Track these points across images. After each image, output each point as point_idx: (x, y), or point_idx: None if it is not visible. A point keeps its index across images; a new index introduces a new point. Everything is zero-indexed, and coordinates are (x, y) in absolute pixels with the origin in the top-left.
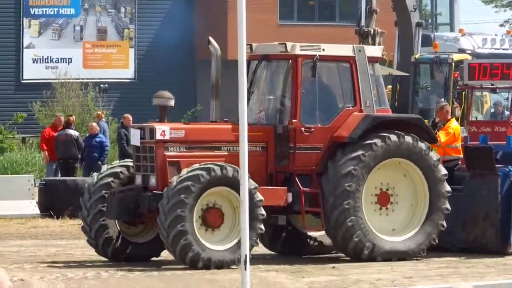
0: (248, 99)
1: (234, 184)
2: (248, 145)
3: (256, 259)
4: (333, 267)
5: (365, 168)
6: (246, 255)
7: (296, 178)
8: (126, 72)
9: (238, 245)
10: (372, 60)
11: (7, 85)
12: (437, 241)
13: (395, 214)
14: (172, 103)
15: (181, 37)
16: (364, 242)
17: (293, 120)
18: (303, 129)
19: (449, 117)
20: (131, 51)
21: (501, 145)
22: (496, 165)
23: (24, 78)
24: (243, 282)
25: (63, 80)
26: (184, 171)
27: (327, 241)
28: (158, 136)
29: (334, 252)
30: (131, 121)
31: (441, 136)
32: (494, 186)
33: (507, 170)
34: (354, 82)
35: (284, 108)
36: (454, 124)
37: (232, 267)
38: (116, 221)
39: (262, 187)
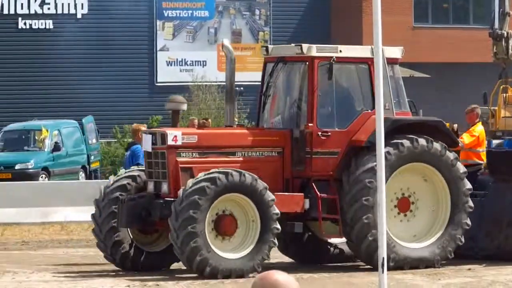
0: (264, 103)
1: (251, 192)
2: (264, 150)
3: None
4: (469, 269)
5: (389, 167)
6: (383, 258)
7: (313, 183)
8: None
9: (251, 255)
10: (392, 61)
11: (141, 88)
12: (463, 241)
13: (417, 219)
14: (185, 107)
15: (316, 39)
16: (388, 254)
17: (310, 124)
18: (320, 133)
19: (477, 120)
20: None
21: None
22: None
23: (158, 81)
24: (381, 284)
25: (200, 83)
26: (201, 174)
27: (348, 248)
28: (170, 142)
29: (355, 260)
30: None
31: (465, 138)
32: None
33: None
34: (372, 84)
35: (301, 111)
36: (479, 128)
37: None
38: (129, 231)
39: (278, 193)
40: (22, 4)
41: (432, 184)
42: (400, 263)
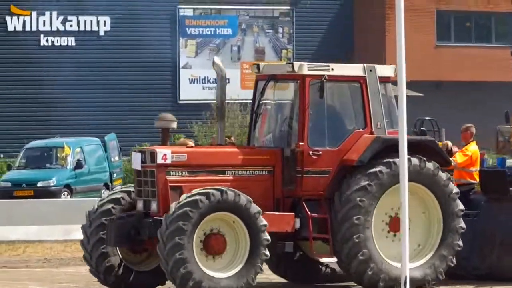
0: (256, 121)
1: (235, 208)
2: (255, 169)
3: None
4: None
5: (372, 198)
6: (406, 277)
7: (304, 203)
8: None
9: (242, 272)
10: (384, 80)
11: (164, 105)
12: (454, 262)
13: (409, 238)
14: (174, 125)
15: (340, 56)
16: (379, 275)
17: (300, 143)
18: (311, 152)
19: (471, 139)
20: None
21: None
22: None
23: (180, 98)
24: None
25: None
26: (183, 197)
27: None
28: (160, 160)
29: (347, 279)
30: None
31: (458, 157)
32: (510, 210)
33: None
34: (364, 103)
35: (292, 130)
36: (473, 148)
37: None
38: (118, 248)
39: (268, 212)
40: (44, 21)
41: (424, 204)
42: (390, 283)
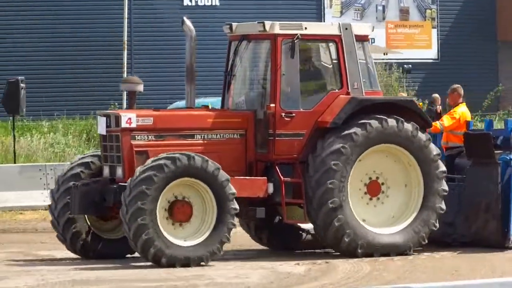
0: (229, 83)
1: (202, 175)
2: (226, 132)
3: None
4: None
5: (347, 161)
6: None
7: (276, 167)
8: (429, 53)
9: (208, 240)
10: (361, 38)
11: None
12: (437, 226)
13: (388, 203)
14: (141, 88)
15: (483, 17)
16: (356, 241)
17: (272, 105)
18: (283, 114)
19: (460, 101)
20: (433, 31)
21: (501, 130)
22: (497, 152)
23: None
24: None
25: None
26: (148, 161)
27: None
28: (124, 124)
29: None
30: (440, 101)
31: (445, 120)
32: (495, 175)
33: (508, 158)
34: (340, 62)
35: (264, 92)
36: (461, 109)
37: (201, 264)
38: (86, 218)
39: (240, 177)
40: None
41: (404, 166)
42: (369, 250)
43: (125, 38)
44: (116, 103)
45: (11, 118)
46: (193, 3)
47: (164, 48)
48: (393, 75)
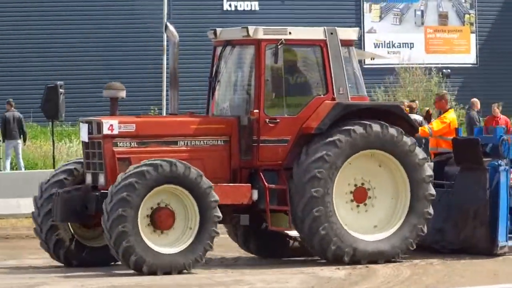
0: (213, 89)
1: (184, 182)
2: (210, 138)
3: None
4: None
5: (332, 168)
6: None
7: (261, 173)
8: (468, 57)
9: (190, 248)
10: (347, 43)
11: None
12: (425, 231)
13: (375, 209)
14: (123, 94)
15: None
16: (343, 248)
17: (255, 111)
18: (267, 120)
19: (447, 107)
20: (472, 36)
21: (490, 137)
22: (486, 159)
23: (366, 63)
24: None
25: (406, 65)
26: (130, 168)
27: None
28: (106, 131)
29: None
30: (479, 106)
31: (434, 125)
32: (483, 181)
33: (497, 163)
34: (325, 67)
35: (249, 98)
36: (451, 115)
37: (183, 272)
38: (69, 225)
39: (224, 184)
40: None
41: (390, 172)
42: (357, 257)
43: (165, 42)
44: (156, 108)
45: (50, 123)
46: (233, 8)
47: (204, 52)
48: (433, 80)
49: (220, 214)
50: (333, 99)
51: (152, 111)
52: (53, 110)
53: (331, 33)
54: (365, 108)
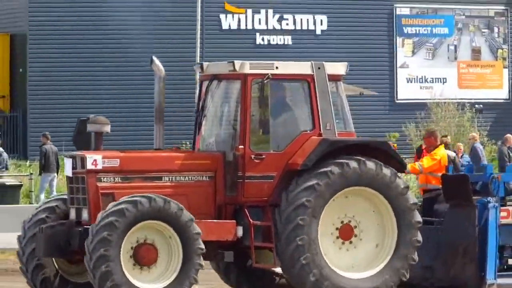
0: (200, 124)
1: (165, 216)
2: (195, 174)
3: None
4: None
5: (321, 199)
6: None
7: (246, 210)
8: (501, 93)
9: (175, 283)
10: (334, 78)
11: (381, 104)
12: (408, 277)
13: (360, 248)
14: (108, 128)
15: None
16: (322, 282)
17: (240, 147)
18: (253, 156)
19: (437, 143)
20: (505, 71)
21: (480, 175)
22: (476, 197)
23: (398, 98)
24: None
25: (438, 100)
26: (110, 206)
27: None
28: (89, 166)
29: None
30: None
31: (425, 162)
32: (472, 218)
33: (486, 200)
34: (312, 103)
35: (235, 133)
36: (442, 152)
37: None
38: (54, 261)
39: (209, 220)
40: (260, 19)
41: (379, 212)
42: None
43: (197, 76)
44: (188, 142)
45: None
46: (266, 42)
47: None
48: (465, 115)
49: (203, 246)
50: (320, 134)
51: (184, 145)
52: (85, 143)
53: (319, 68)
54: (353, 144)
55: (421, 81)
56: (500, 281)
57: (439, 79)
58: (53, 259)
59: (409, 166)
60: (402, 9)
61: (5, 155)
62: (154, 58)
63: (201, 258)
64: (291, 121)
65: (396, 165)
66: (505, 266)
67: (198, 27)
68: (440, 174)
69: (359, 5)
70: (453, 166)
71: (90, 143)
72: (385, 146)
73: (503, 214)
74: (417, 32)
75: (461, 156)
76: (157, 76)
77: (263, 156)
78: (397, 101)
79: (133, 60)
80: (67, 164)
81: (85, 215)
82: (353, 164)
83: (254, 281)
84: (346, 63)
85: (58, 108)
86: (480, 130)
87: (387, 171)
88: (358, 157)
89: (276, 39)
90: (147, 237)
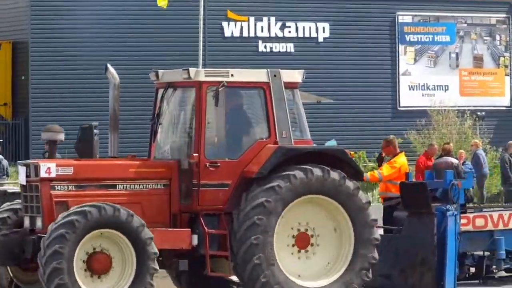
0: (155, 132)
1: (115, 224)
2: (149, 182)
3: None
4: None
5: (272, 215)
6: None
7: (201, 218)
8: (502, 100)
9: None
10: (291, 86)
11: (383, 112)
12: (370, 276)
13: (318, 255)
14: (62, 137)
15: None
16: (272, 284)
17: (195, 154)
18: (207, 164)
19: (397, 151)
20: (506, 79)
21: (440, 182)
22: (435, 204)
23: (400, 105)
24: None
25: (439, 108)
26: (60, 217)
27: None
28: (43, 174)
29: None
30: None
31: (384, 170)
32: (430, 227)
33: (444, 208)
34: (268, 110)
35: (190, 141)
36: (401, 160)
37: None
38: (8, 268)
39: (161, 228)
40: (262, 27)
41: (332, 216)
42: None
43: None
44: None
45: None
46: (268, 49)
47: None
48: (466, 123)
49: (156, 250)
50: (276, 142)
51: None
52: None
53: (275, 75)
54: (308, 152)
55: (423, 88)
56: None
57: (441, 87)
58: (8, 268)
59: (368, 174)
60: (404, 17)
61: (5, 162)
62: (109, 66)
63: (155, 262)
64: (247, 129)
65: (352, 171)
66: (467, 275)
67: (201, 34)
68: (399, 182)
69: (362, 13)
70: (456, 173)
71: (93, 151)
72: (341, 153)
73: (463, 221)
74: (419, 39)
75: (463, 163)
76: (112, 84)
77: (218, 164)
78: (400, 108)
79: (136, 68)
80: (21, 172)
81: (39, 223)
82: (300, 174)
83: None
84: (302, 70)
85: (60, 115)
86: (482, 137)
87: (334, 175)
88: (304, 166)
89: (278, 47)
90: (99, 246)
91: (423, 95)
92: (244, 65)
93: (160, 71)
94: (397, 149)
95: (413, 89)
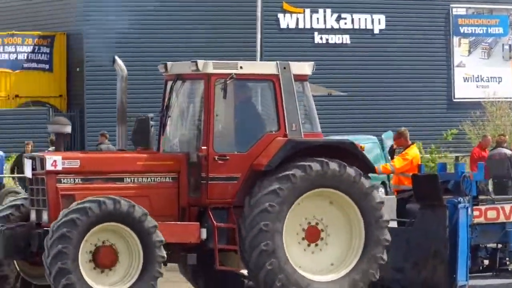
0: (164, 124)
1: (128, 220)
2: (157, 175)
3: None
4: None
5: (284, 203)
6: None
7: (210, 212)
8: None
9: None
10: (300, 78)
11: (439, 103)
12: (377, 277)
13: (327, 250)
14: (68, 129)
15: None
16: (277, 273)
17: (204, 147)
18: (216, 157)
19: (408, 143)
20: None
21: (452, 174)
22: (447, 196)
23: (455, 97)
24: None
25: (493, 99)
26: (73, 204)
27: None
28: (49, 167)
29: None
30: None
31: (396, 162)
32: (443, 219)
33: (456, 201)
34: (277, 103)
35: (199, 133)
36: (413, 151)
37: None
38: (15, 263)
39: (172, 222)
40: (318, 19)
41: (345, 213)
42: None
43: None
44: None
45: None
46: (324, 41)
47: None
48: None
49: (164, 255)
50: (285, 135)
51: None
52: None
53: (284, 68)
54: (318, 145)
55: (477, 80)
56: (473, 282)
57: (495, 78)
58: (15, 261)
59: (381, 167)
60: (458, 9)
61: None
62: (116, 58)
63: (162, 266)
64: (256, 121)
65: (363, 166)
66: (480, 267)
67: (259, 26)
68: (412, 174)
69: (417, 5)
70: (510, 164)
71: (149, 142)
72: (351, 147)
73: (475, 213)
74: (473, 31)
75: None
76: (119, 76)
77: (227, 157)
78: (454, 100)
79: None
80: (27, 165)
81: (45, 217)
82: (316, 166)
83: (220, 284)
84: (312, 62)
85: (115, 107)
86: None
87: (350, 171)
88: (320, 159)
89: (334, 38)
90: (108, 239)
91: (477, 87)
92: (300, 57)
93: (169, 63)
94: (409, 141)
95: (468, 81)
